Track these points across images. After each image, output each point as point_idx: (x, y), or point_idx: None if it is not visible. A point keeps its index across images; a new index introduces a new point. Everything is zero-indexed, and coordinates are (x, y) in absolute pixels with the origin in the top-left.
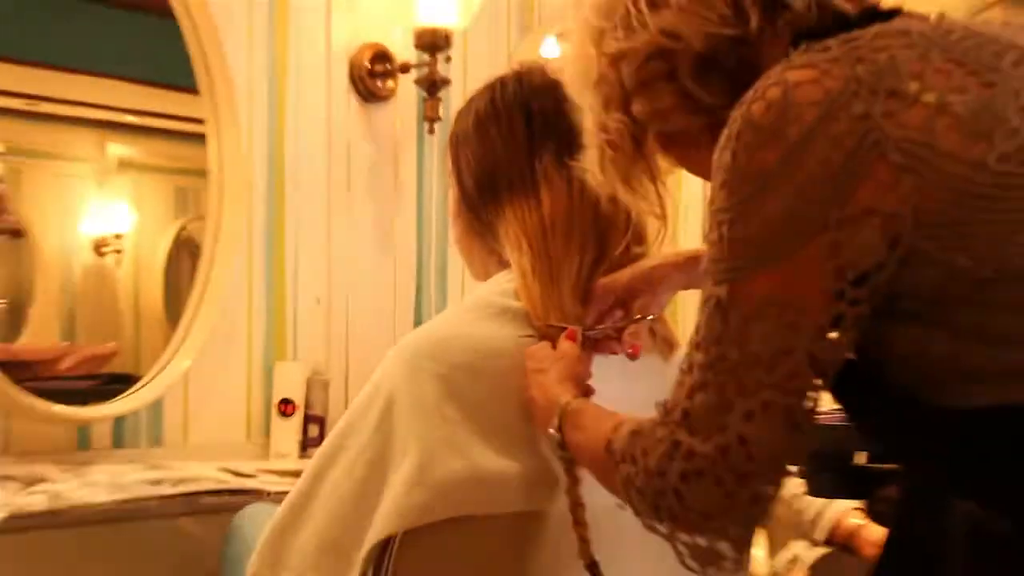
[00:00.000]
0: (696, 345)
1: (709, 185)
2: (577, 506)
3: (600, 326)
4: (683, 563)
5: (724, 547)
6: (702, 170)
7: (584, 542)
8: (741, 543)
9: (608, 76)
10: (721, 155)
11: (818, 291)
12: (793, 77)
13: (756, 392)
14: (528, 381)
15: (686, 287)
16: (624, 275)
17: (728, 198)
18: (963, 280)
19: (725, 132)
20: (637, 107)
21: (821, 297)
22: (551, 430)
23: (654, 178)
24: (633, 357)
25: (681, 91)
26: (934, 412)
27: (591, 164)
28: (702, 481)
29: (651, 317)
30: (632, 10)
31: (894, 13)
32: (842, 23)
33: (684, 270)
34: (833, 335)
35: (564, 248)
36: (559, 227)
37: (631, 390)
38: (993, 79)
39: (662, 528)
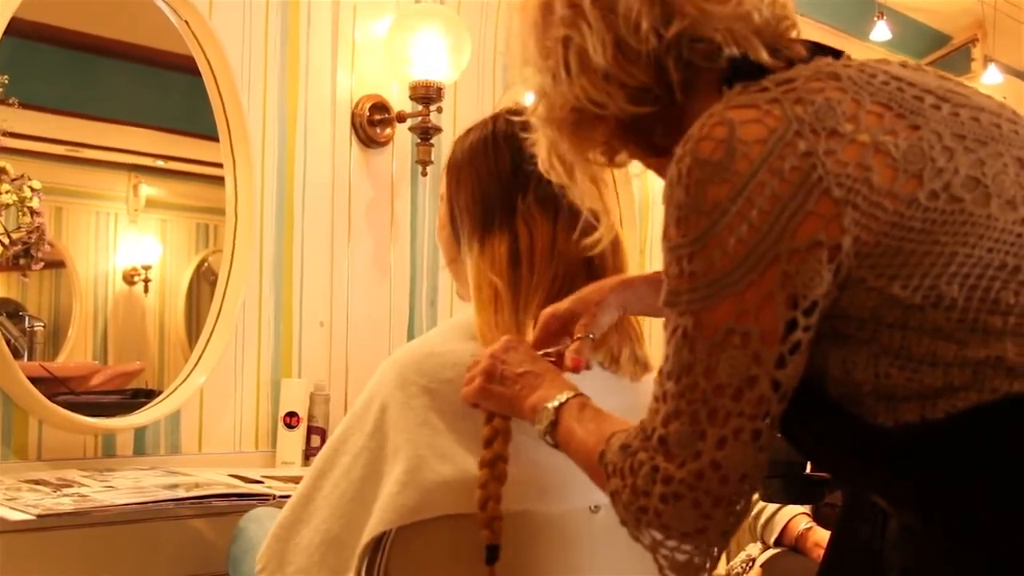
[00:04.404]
0: (667, 374)
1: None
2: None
3: (548, 349)
4: (663, 574)
5: (701, 560)
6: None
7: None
8: (717, 555)
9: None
10: (673, 192)
11: (775, 320)
12: (737, 116)
13: (726, 420)
14: (506, 371)
15: (624, 309)
16: (566, 301)
17: (685, 234)
18: (895, 306)
19: (673, 169)
20: (565, 147)
21: (778, 325)
22: (548, 404)
23: (596, 180)
24: (576, 370)
25: (609, 132)
26: (861, 428)
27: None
28: (680, 504)
29: (592, 336)
30: (561, 63)
31: (817, 52)
32: (764, 69)
33: (618, 292)
34: (791, 360)
35: (532, 281)
36: (536, 260)
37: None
38: (918, 122)
39: (646, 539)
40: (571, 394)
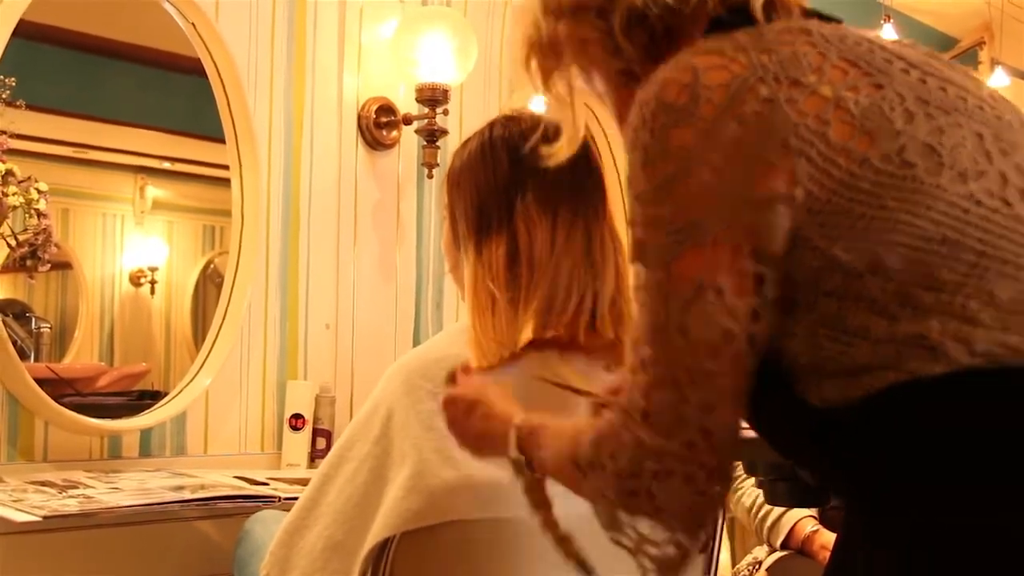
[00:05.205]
0: (640, 339)
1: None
2: (549, 525)
3: None
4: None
5: (686, 551)
6: (611, 105)
7: (567, 549)
8: (703, 542)
9: None
10: (637, 135)
11: (745, 272)
12: (700, 62)
13: (708, 381)
14: (464, 425)
15: None
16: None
17: (651, 178)
18: (835, 271)
19: (637, 112)
20: (563, 28)
21: (748, 279)
22: (512, 454)
23: (571, 89)
24: None
25: (606, 30)
26: (793, 405)
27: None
28: (672, 480)
29: None
30: None
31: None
32: (750, 20)
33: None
34: (763, 315)
35: (531, 282)
36: (535, 262)
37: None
38: (882, 81)
39: (628, 542)
40: (513, 431)
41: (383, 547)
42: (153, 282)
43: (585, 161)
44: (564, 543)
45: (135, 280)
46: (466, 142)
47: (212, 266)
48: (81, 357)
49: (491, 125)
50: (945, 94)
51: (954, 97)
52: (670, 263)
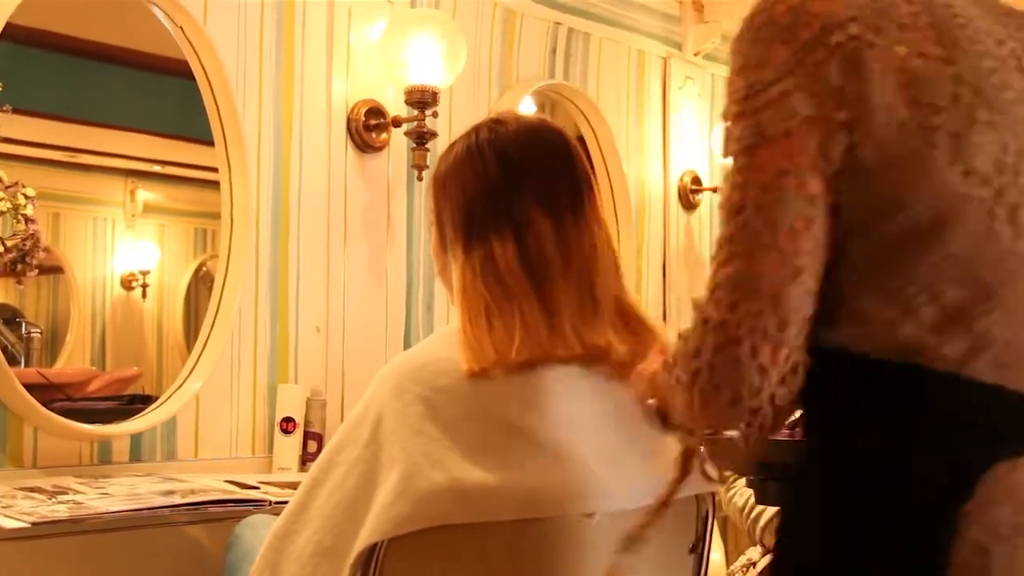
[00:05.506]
0: (720, 238)
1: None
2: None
3: None
4: (704, 473)
5: (740, 438)
6: None
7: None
8: (760, 436)
9: None
10: (741, 42)
11: (820, 169)
12: None
13: (784, 261)
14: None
15: None
16: None
17: (747, 79)
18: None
19: (747, 23)
20: None
21: (824, 175)
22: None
23: None
24: None
25: None
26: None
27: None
28: (735, 351)
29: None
30: None
31: None
32: None
33: None
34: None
35: (531, 284)
36: (536, 263)
37: (581, 410)
38: (955, 57)
39: (686, 436)
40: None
41: (372, 552)
42: (145, 286)
43: (577, 162)
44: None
45: (127, 284)
46: (452, 145)
47: (204, 269)
48: (73, 361)
49: (477, 129)
50: (1001, 92)
51: (1011, 99)
52: (754, 149)
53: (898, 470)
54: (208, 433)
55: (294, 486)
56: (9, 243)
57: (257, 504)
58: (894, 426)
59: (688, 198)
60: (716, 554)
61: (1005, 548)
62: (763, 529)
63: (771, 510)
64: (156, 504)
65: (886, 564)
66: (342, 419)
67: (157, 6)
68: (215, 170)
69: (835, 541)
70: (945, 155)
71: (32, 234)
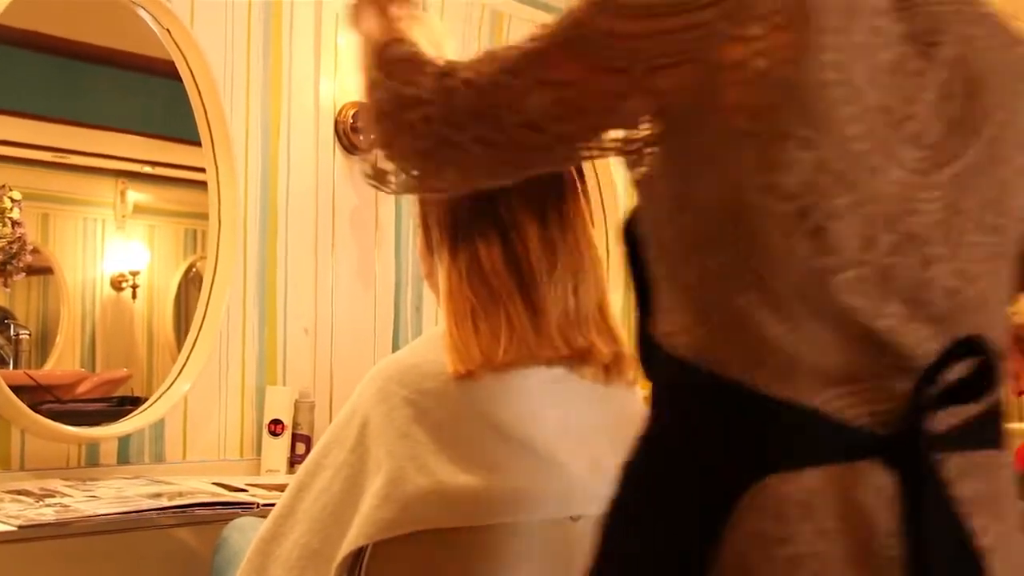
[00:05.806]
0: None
1: None
2: None
3: None
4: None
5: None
6: None
7: None
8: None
9: None
10: None
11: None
12: None
13: (526, 85)
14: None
15: None
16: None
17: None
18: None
19: None
20: None
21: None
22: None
23: None
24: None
25: None
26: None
27: None
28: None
29: None
30: None
31: None
32: None
33: None
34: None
35: (522, 285)
36: (523, 265)
37: (568, 413)
38: (922, 68)
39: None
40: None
41: (357, 556)
42: (135, 286)
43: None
44: None
45: (116, 285)
46: None
47: (194, 270)
48: (62, 363)
49: None
50: (949, 133)
51: (950, 139)
52: (563, 44)
53: (680, 475)
54: (196, 435)
55: (282, 488)
56: None
57: (245, 507)
58: (685, 425)
59: None
60: None
61: (762, 558)
62: None
63: None
64: (144, 507)
65: (657, 560)
66: (330, 421)
67: (143, 8)
68: (206, 170)
69: (630, 523)
70: (861, 162)
71: (19, 237)
